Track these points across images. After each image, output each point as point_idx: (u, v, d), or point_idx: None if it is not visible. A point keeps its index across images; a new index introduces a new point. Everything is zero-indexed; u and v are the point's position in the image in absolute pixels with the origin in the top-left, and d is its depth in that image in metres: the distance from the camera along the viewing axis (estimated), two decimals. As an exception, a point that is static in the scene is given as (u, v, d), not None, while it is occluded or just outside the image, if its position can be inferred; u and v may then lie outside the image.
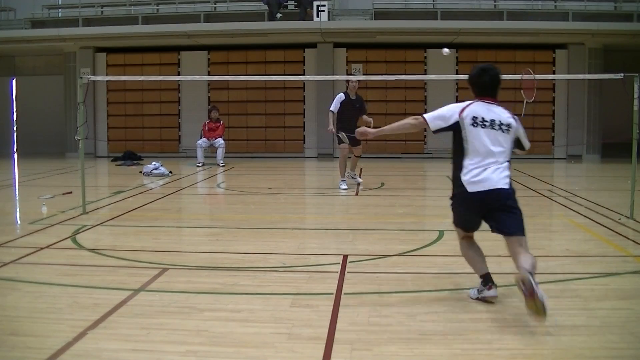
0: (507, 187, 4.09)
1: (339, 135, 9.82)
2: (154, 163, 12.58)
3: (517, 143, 4.33)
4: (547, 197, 9.38)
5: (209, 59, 17.13)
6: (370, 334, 3.63)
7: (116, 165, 15.07)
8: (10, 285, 4.62)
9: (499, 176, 4.07)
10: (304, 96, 16.94)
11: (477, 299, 4.24)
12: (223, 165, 14.22)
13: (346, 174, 10.37)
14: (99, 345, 3.45)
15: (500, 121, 4.14)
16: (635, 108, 7.25)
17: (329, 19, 15.59)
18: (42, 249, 5.78)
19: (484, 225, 4.27)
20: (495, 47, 16.23)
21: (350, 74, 16.11)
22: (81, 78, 7.88)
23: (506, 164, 4.14)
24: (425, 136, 16.65)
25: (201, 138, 14.69)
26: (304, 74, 16.05)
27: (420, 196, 10.38)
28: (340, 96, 10.07)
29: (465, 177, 4.08)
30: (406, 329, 3.69)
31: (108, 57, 17.40)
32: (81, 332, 3.59)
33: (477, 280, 4.30)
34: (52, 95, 18.46)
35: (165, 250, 5.91)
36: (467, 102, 4.22)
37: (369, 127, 4.80)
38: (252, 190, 10.47)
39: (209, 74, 16.53)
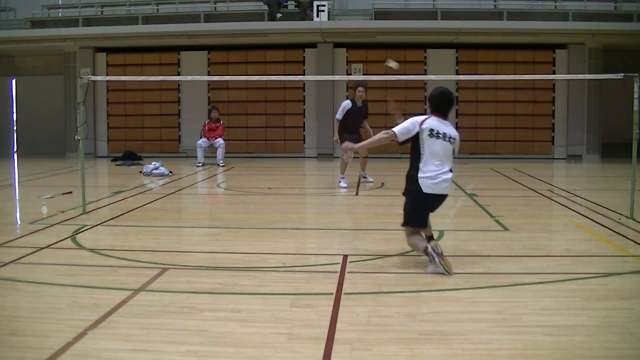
0: (447, 193, 5.21)
1: (342, 155, 9.86)
2: (154, 163, 12.58)
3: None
4: (547, 197, 9.38)
5: (209, 59, 17.13)
6: (370, 334, 3.63)
7: (116, 165, 15.07)
8: (10, 285, 4.62)
9: (447, 183, 5.13)
10: (304, 96, 16.94)
11: (441, 264, 4.81)
12: (223, 165, 14.22)
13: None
14: (99, 345, 3.45)
15: (450, 135, 5.14)
16: (635, 108, 7.24)
17: (329, 19, 15.59)
18: (42, 249, 5.78)
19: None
20: (495, 47, 16.24)
21: (350, 74, 16.13)
22: (81, 78, 7.88)
23: (450, 169, 5.15)
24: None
25: (201, 138, 14.69)
26: (304, 74, 16.05)
27: (420, 196, 10.37)
28: (347, 104, 10.16)
29: (421, 179, 5.06)
30: (406, 329, 3.69)
31: (108, 57, 17.40)
32: (81, 332, 3.59)
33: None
34: (52, 95, 18.46)
35: (165, 250, 5.91)
36: (425, 116, 5.15)
37: (369, 136, 5.41)
38: (252, 190, 10.47)
39: (209, 74, 16.54)
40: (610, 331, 3.64)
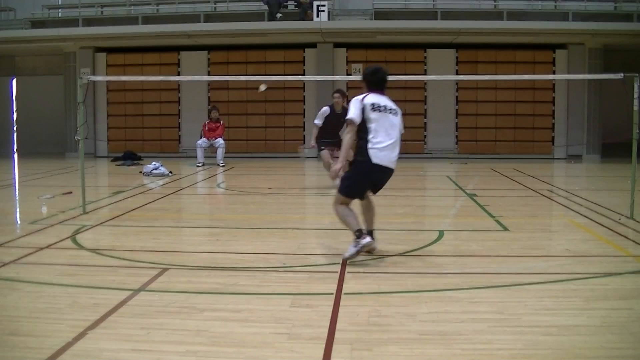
0: (394, 167, 5.32)
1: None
2: (154, 163, 12.58)
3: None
4: (547, 197, 9.38)
5: (209, 59, 17.14)
6: (370, 334, 3.63)
7: (116, 165, 15.07)
8: (10, 285, 4.62)
9: (394, 157, 5.28)
10: (304, 96, 16.95)
11: (357, 252, 5.09)
12: (223, 165, 14.23)
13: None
14: (99, 345, 3.45)
15: (391, 107, 5.35)
16: (635, 108, 7.24)
17: (329, 19, 15.60)
18: (42, 249, 5.78)
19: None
20: (495, 47, 16.25)
21: (350, 74, 16.13)
22: (81, 78, 7.88)
23: (399, 141, 5.32)
24: (425, 136, 16.67)
25: (201, 138, 14.69)
26: (304, 74, 16.05)
27: (420, 196, 10.38)
28: (325, 110, 10.30)
29: (371, 150, 5.17)
30: (406, 329, 3.69)
31: (108, 57, 17.40)
32: (81, 332, 3.59)
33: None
34: (52, 95, 18.46)
35: (165, 250, 5.91)
36: (364, 94, 5.35)
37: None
38: (252, 190, 10.47)
39: (209, 74, 16.54)
40: (610, 331, 3.65)
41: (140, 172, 12.65)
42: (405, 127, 5.56)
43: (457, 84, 16.36)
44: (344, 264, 5.19)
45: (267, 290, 4.53)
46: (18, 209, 8.75)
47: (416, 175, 13.22)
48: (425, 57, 16.57)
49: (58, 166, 14.36)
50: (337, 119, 10.13)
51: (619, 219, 7.19)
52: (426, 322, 3.81)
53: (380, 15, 16.16)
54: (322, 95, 16.46)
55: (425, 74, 15.93)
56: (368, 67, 5.59)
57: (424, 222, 7.90)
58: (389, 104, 5.37)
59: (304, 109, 16.92)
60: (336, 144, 9.69)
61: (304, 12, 15.65)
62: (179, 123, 17.45)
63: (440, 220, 7.71)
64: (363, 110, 5.25)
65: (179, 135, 17.47)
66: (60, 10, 18.46)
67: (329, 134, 10.22)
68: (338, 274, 4.93)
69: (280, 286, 4.63)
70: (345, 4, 17.90)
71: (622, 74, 7.40)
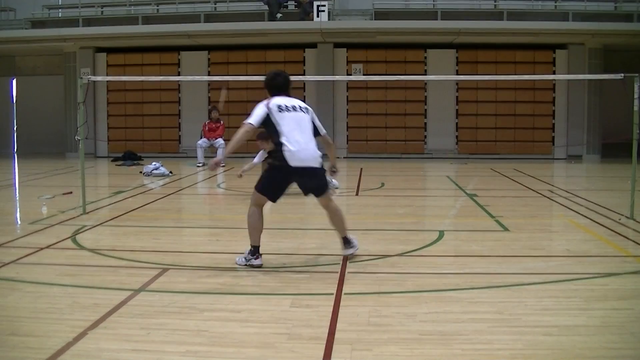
0: (319, 166, 5.13)
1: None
2: (154, 163, 12.57)
3: (315, 131, 5.22)
4: (547, 197, 9.38)
5: (209, 59, 17.13)
6: (370, 334, 3.63)
7: (116, 165, 15.07)
8: (10, 285, 4.62)
9: (314, 155, 5.07)
10: (304, 96, 16.90)
11: (245, 265, 5.07)
12: (223, 166, 14.20)
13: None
14: (99, 345, 3.45)
15: (299, 106, 5.17)
16: (635, 108, 7.24)
17: (329, 19, 15.59)
18: (42, 249, 5.78)
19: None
20: (495, 47, 16.25)
21: (350, 74, 16.14)
22: (81, 78, 7.88)
23: (314, 141, 5.12)
24: (425, 136, 16.66)
25: (201, 138, 14.69)
26: (304, 74, 16.03)
27: (420, 196, 10.38)
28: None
29: (287, 152, 4.96)
30: (406, 329, 3.69)
31: (108, 57, 17.40)
32: (81, 332, 3.59)
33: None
34: (52, 95, 18.46)
35: (165, 250, 5.91)
36: (269, 99, 5.15)
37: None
38: (252, 190, 10.44)
39: (209, 74, 16.52)
40: (609, 331, 3.65)
41: (141, 172, 12.64)
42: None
43: (457, 84, 16.36)
44: (344, 264, 5.20)
45: (267, 290, 4.54)
46: (18, 209, 8.76)
47: (416, 175, 13.22)
48: (425, 57, 16.56)
49: (58, 166, 14.35)
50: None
51: (619, 219, 7.19)
52: (426, 322, 3.81)
53: (380, 15, 16.16)
54: (322, 96, 16.47)
55: (425, 74, 15.93)
56: (268, 72, 5.38)
57: (424, 223, 7.90)
58: (298, 103, 5.21)
59: (304, 109, 16.89)
60: None
61: (304, 12, 15.65)
62: (179, 123, 17.45)
63: (440, 220, 7.71)
64: (269, 114, 5.05)
65: (179, 136, 17.47)
66: (60, 10, 18.45)
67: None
68: (338, 274, 4.93)
69: (280, 286, 4.64)
70: (345, 4, 17.89)
71: (622, 74, 7.41)
